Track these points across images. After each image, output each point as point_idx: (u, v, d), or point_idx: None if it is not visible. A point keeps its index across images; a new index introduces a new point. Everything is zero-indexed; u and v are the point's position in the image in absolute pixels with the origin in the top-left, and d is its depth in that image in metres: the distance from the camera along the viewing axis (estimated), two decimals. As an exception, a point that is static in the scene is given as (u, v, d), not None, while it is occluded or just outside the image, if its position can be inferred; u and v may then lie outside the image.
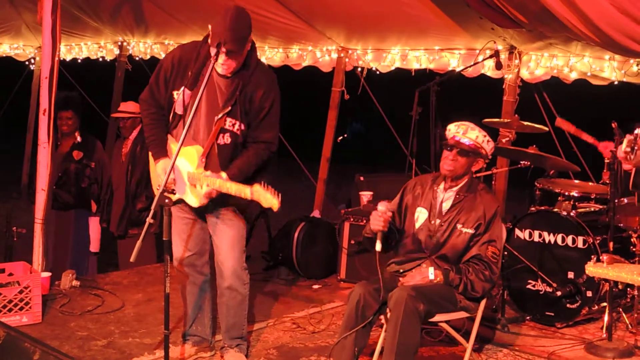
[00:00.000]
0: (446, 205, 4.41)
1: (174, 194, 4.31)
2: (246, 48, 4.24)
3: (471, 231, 4.30)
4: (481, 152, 4.40)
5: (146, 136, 4.56)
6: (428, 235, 4.39)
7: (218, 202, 4.37)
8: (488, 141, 4.42)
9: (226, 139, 4.31)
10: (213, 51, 4.11)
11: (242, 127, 4.32)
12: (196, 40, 4.48)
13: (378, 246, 4.22)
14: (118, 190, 6.82)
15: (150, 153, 4.51)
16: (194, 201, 4.36)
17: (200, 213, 4.54)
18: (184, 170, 4.33)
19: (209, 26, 4.18)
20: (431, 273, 4.24)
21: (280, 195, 3.91)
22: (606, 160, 5.07)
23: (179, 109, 4.37)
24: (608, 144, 4.91)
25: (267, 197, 3.91)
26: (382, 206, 4.29)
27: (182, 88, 4.33)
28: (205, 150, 4.29)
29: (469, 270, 4.24)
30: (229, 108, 4.27)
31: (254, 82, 4.31)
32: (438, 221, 4.37)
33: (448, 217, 4.37)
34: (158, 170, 4.39)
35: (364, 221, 6.32)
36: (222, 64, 4.20)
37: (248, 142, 4.37)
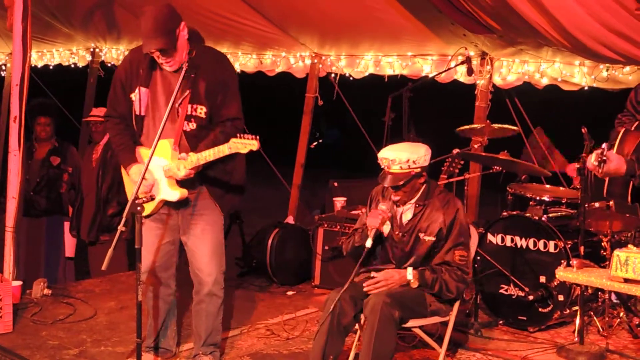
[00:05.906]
0: (406, 217, 4.39)
1: (153, 199, 4.25)
2: (181, 38, 4.17)
3: (433, 238, 4.30)
4: (413, 173, 4.28)
5: (114, 147, 4.53)
6: (394, 246, 4.41)
7: (191, 185, 4.36)
8: (414, 161, 4.24)
9: (192, 125, 4.29)
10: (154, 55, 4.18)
11: (205, 109, 4.28)
12: None
13: (369, 242, 4.24)
14: (88, 197, 6.77)
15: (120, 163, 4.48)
16: (174, 194, 4.31)
17: (175, 222, 4.50)
18: (159, 167, 4.29)
19: None
20: (409, 273, 4.23)
21: (258, 137, 3.92)
22: (574, 177, 5.12)
23: (138, 110, 4.35)
24: (574, 165, 4.94)
25: (245, 142, 3.93)
26: (383, 205, 4.33)
27: (138, 88, 4.33)
28: (176, 139, 4.26)
29: (442, 270, 4.25)
30: (188, 92, 4.24)
31: (206, 61, 4.31)
32: (400, 233, 4.38)
33: (409, 227, 4.36)
34: (132, 177, 4.35)
35: (338, 227, 6.33)
36: (165, 64, 4.22)
37: (215, 123, 4.33)
